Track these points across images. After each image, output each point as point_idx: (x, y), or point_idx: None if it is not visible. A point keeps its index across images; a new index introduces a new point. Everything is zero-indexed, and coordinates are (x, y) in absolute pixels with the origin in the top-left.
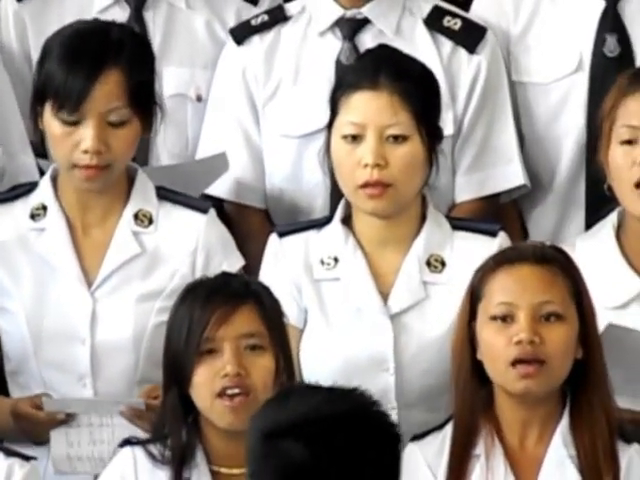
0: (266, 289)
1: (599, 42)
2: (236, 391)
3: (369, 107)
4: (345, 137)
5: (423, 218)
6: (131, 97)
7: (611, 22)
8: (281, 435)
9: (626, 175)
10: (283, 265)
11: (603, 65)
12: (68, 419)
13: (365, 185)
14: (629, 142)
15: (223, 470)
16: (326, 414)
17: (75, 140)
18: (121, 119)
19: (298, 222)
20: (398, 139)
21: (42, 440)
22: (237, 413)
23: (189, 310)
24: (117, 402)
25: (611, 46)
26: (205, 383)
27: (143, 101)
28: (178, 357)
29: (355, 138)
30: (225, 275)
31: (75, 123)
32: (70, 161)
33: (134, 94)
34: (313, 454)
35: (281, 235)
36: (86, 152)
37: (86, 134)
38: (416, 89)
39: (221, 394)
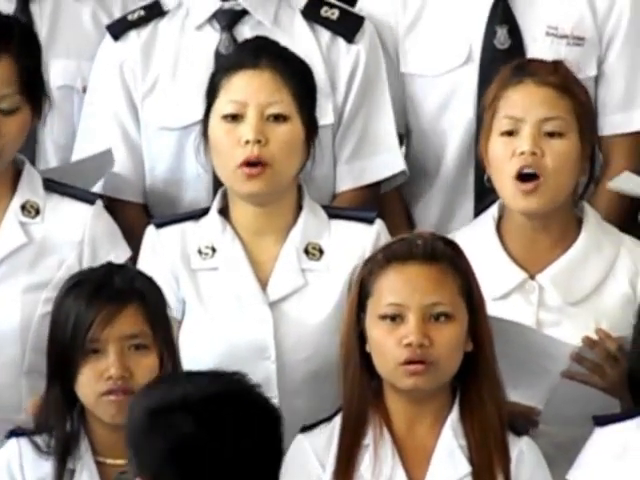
0: (150, 283)
1: (489, 34)
2: (120, 393)
3: (250, 85)
4: (225, 117)
5: (300, 208)
6: (22, 84)
7: (501, 14)
8: (170, 410)
9: (506, 166)
10: (160, 256)
11: (493, 57)
12: None
13: (244, 164)
14: (509, 133)
15: (108, 461)
16: (212, 392)
17: None
18: (12, 106)
19: (175, 213)
20: (279, 118)
21: None
22: (121, 407)
23: (73, 308)
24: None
25: (501, 38)
26: (89, 383)
27: (33, 88)
28: (62, 354)
29: (235, 118)
30: (109, 269)
31: None
32: None
33: (25, 81)
34: (202, 427)
35: (158, 226)
36: None
37: None
38: (297, 72)
39: (105, 394)
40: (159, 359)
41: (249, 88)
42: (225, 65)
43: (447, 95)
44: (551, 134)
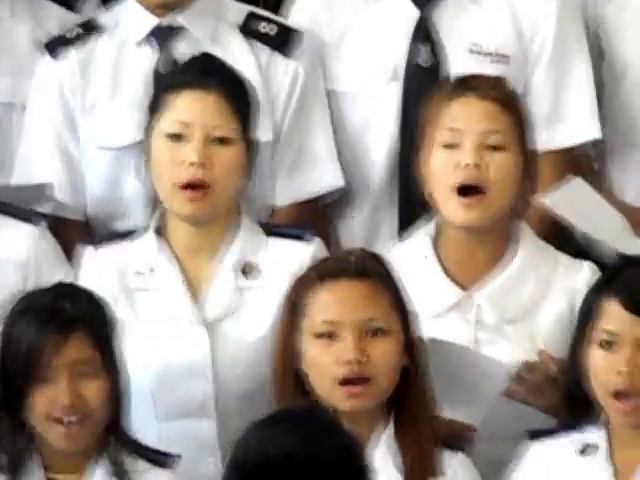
0: (99, 305)
1: (413, 52)
2: (72, 419)
3: (197, 106)
4: (169, 136)
5: (237, 226)
6: None
7: (425, 32)
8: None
9: (446, 179)
10: (97, 276)
11: (417, 75)
12: None
13: (186, 186)
14: (451, 146)
15: (59, 477)
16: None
17: None
18: None
19: (113, 232)
20: (223, 141)
21: None
22: (72, 439)
23: (23, 335)
24: None
25: (425, 56)
26: (41, 410)
27: None
28: (11, 381)
29: (179, 137)
30: (59, 292)
31: None
32: None
33: None
34: None
35: (96, 246)
36: None
37: None
38: (241, 94)
39: (58, 420)
40: (110, 382)
41: (195, 109)
42: (171, 82)
43: (370, 112)
44: (493, 147)
